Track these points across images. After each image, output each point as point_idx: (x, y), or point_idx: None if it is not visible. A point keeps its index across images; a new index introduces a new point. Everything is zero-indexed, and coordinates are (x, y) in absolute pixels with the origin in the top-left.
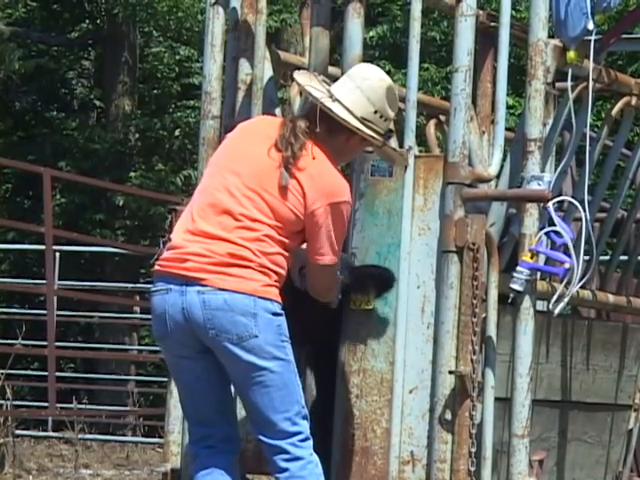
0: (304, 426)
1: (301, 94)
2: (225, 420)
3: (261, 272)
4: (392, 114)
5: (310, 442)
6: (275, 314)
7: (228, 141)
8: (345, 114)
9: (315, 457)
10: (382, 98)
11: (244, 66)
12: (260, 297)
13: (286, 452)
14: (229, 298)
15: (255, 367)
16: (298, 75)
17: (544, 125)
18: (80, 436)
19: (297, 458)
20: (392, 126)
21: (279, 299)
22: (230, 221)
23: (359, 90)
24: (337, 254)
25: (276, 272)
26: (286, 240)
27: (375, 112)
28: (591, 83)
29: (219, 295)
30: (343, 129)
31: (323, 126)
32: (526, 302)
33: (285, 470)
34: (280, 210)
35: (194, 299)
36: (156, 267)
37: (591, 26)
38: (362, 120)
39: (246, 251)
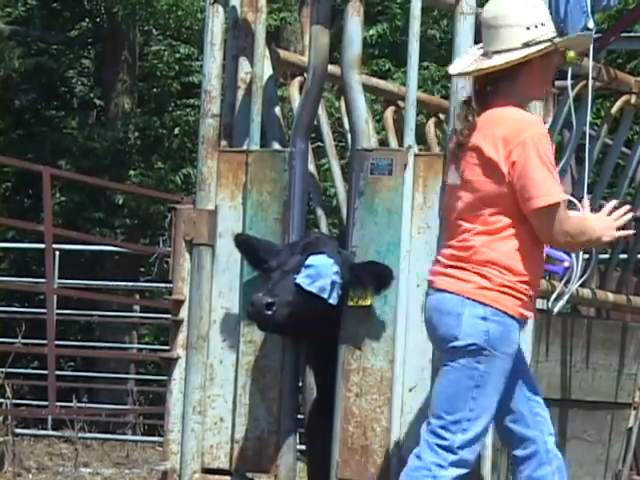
0: (456, 439)
1: (301, 90)
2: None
3: (478, 274)
4: (542, 13)
5: (451, 456)
6: (484, 319)
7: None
8: (505, 57)
9: (441, 471)
10: (520, 13)
11: (244, 64)
12: (469, 299)
13: (418, 447)
14: (441, 298)
15: (444, 359)
16: (453, 69)
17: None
18: (80, 435)
19: (418, 457)
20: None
21: (498, 305)
22: (455, 228)
23: (497, 29)
24: (552, 192)
25: (500, 274)
26: (511, 230)
27: (528, 28)
28: (591, 81)
29: (436, 296)
30: (517, 68)
31: (504, 82)
32: None
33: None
34: (490, 196)
35: (425, 301)
36: None
37: (591, 25)
38: (526, 45)
39: (464, 254)
